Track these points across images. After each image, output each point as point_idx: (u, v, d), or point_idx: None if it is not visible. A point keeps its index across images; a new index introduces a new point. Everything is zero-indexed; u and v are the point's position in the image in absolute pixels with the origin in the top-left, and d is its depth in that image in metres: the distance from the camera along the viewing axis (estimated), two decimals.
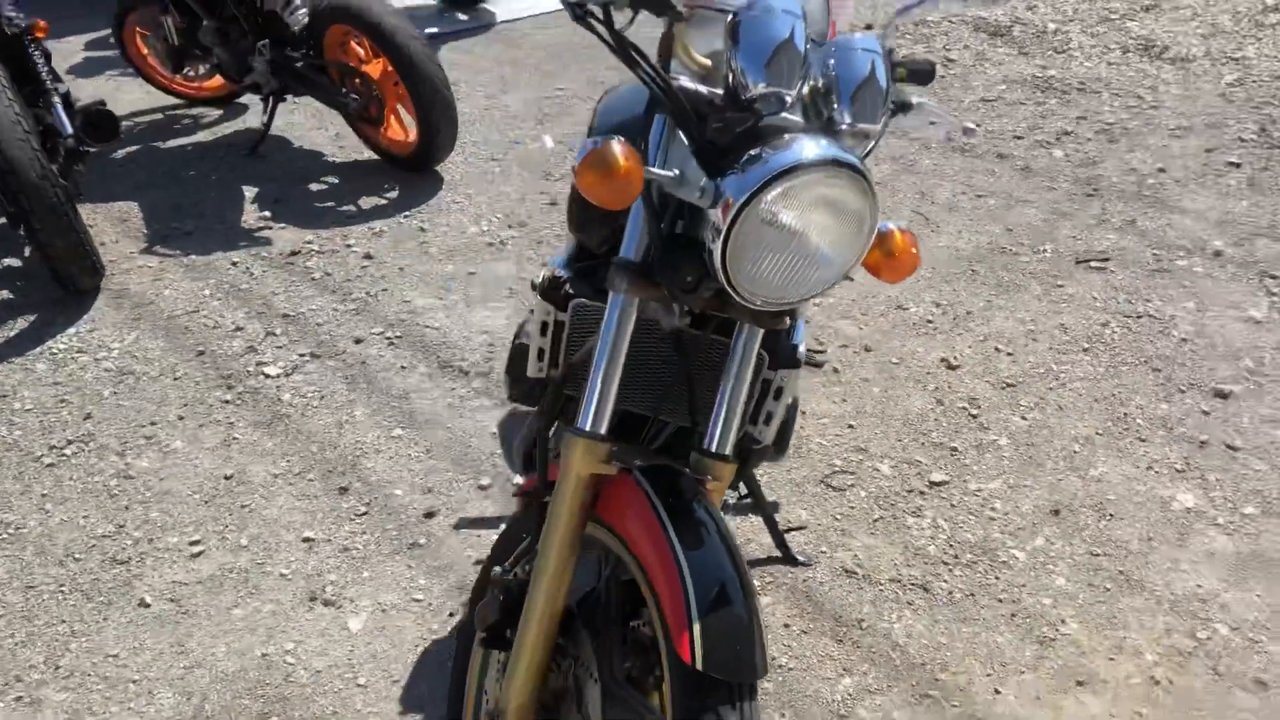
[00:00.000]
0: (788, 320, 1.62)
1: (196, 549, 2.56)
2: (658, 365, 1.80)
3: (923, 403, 2.95)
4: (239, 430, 2.94)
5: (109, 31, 5.02)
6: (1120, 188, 4.07)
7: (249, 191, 4.27)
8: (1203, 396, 2.94)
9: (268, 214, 4.08)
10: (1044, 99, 4.87)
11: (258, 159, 4.55)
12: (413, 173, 4.36)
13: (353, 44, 4.27)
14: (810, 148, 1.39)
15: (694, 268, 1.53)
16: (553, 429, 2.08)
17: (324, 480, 2.76)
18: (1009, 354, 3.16)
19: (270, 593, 2.44)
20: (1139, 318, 3.29)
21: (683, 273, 1.53)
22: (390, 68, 4.11)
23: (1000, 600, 2.36)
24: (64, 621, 2.37)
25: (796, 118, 1.50)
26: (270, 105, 4.55)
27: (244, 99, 5.09)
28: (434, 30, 6.07)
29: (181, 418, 2.98)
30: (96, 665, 2.27)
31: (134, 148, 4.69)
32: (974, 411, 2.92)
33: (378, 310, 3.46)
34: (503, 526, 1.99)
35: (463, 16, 6.41)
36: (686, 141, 1.48)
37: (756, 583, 2.38)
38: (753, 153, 1.42)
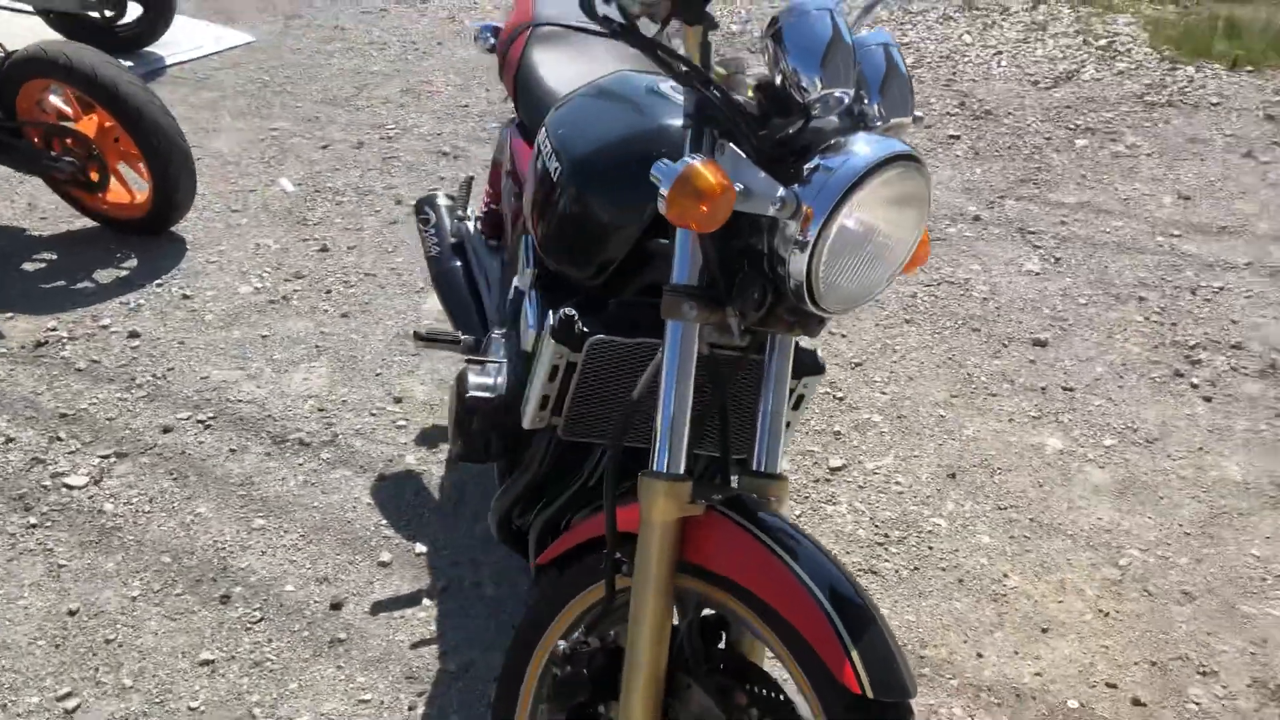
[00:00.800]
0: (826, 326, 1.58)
1: (70, 703, 2.15)
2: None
3: None
4: (62, 556, 2.50)
5: None
6: None
7: None
8: (1025, 347, 3.19)
9: None
10: None
11: None
12: (146, 236, 3.90)
13: (52, 99, 3.75)
14: (875, 146, 1.36)
15: (759, 285, 1.46)
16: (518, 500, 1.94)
17: (196, 592, 2.41)
18: (843, 335, 3.28)
19: None
20: (939, 284, 3.52)
21: (751, 291, 1.46)
22: (111, 122, 3.65)
23: (943, 569, 2.44)
24: None
25: (833, 118, 1.46)
26: None
27: None
28: None
29: None
30: None
31: None
32: (838, 394, 3.01)
33: (174, 392, 3.07)
34: (529, 605, 1.81)
35: (127, 63, 5.81)
36: (745, 153, 1.41)
37: None
38: (820, 159, 1.37)
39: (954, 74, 5.23)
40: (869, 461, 2.76)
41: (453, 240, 2.72)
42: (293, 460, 2.81)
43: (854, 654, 1.35)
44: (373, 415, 2.98)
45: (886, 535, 2.52)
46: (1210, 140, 4.47)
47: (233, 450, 2.84)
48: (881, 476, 2.70)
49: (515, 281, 1.97)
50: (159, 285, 3.61)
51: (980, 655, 2.22)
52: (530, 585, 2.40)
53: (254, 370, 3.17)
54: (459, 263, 2.67)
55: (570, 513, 1.91)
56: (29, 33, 4.56)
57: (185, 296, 3.54)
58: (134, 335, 3.32)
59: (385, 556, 2.49)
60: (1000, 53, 5.49)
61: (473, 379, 1.99)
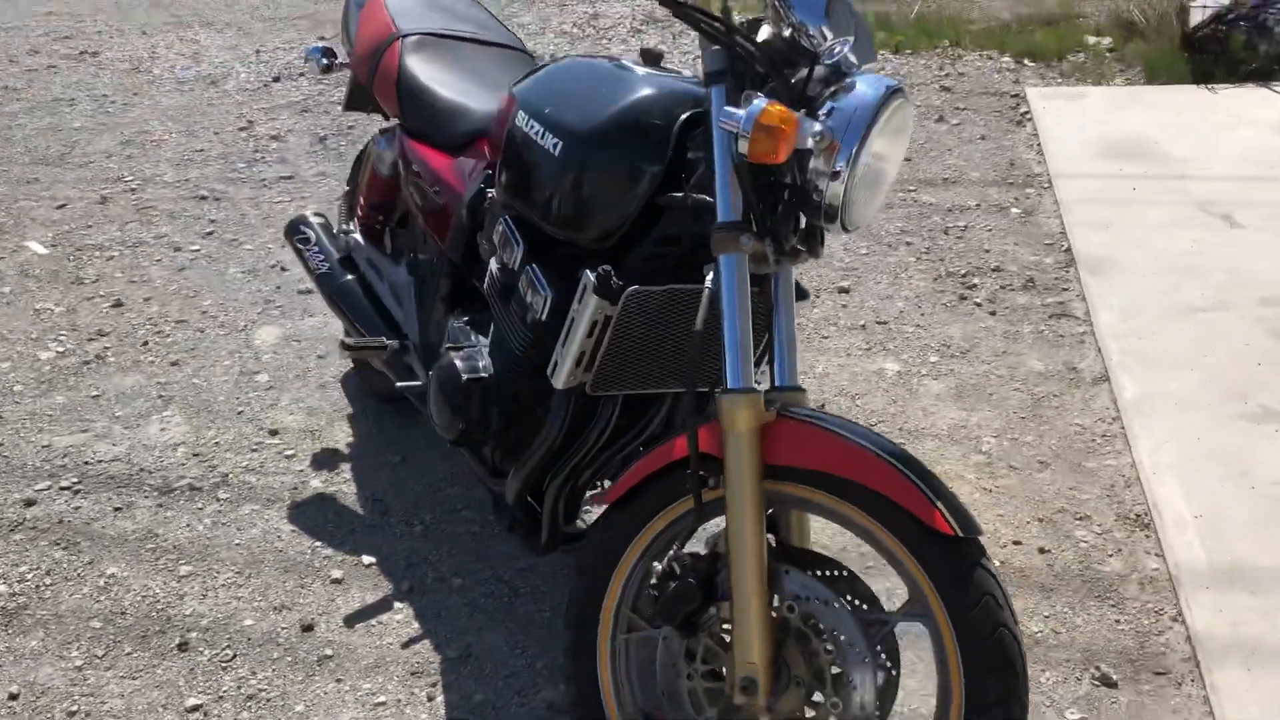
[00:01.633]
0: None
1: None
2: (669, 341, 1.89)
3: None
4: None
5: None
6: None
7: None
8: (833, 295, 3.59)
9: None
10: None
11: None
12: None
13: None
14: (876, 84, 1.64)
15: (792, 215, 1.69)
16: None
17: (147, 647, 2.30)
18: None
19: None
20: None
21: (789, 221, 1.69)
22: None
23: None
24: None
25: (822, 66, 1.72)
26: None
27: None
28: None
29: None
30: None
31: None
32: None
33: (17, 467, 2.85)
34: (587, 543, 1.89)
35: None
36: (775, 96, 1.63)
37: None
38: (833, 101, 1.62)
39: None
40: None
41: (340, 255, 2.74)
42: (190, 506, 2.70)
43: (939, 504, 1.60)
44: (254, 451, 2.91)
45: None
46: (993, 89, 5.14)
47: (117, 509, 2.70)
48: None
49: (494, 264, 2.06)
50: None
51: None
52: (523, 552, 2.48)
53: (100, 430, 2.99)
54: (351, 276, 2.69)
55: (585, 472, 2.04)
56: None
57: None
58: None
59: (336, 573, 2.48)
60: None
61: (461, 364, 2.07)
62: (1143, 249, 3.73)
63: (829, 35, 1.64)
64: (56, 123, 5.21)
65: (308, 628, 2.34)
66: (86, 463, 2.86)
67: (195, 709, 2.16)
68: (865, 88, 1.62)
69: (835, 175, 1.61)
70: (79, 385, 3.19)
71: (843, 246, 3.86)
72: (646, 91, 1.86)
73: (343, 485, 2.77)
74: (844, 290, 3.61)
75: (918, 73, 5.66)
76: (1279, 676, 2.10)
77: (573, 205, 1.86)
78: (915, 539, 1.62)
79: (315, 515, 2.67)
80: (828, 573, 1.75)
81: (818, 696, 1.69)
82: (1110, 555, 2.48)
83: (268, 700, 2.17)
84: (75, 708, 2.16)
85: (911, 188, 4.33)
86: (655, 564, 1.79)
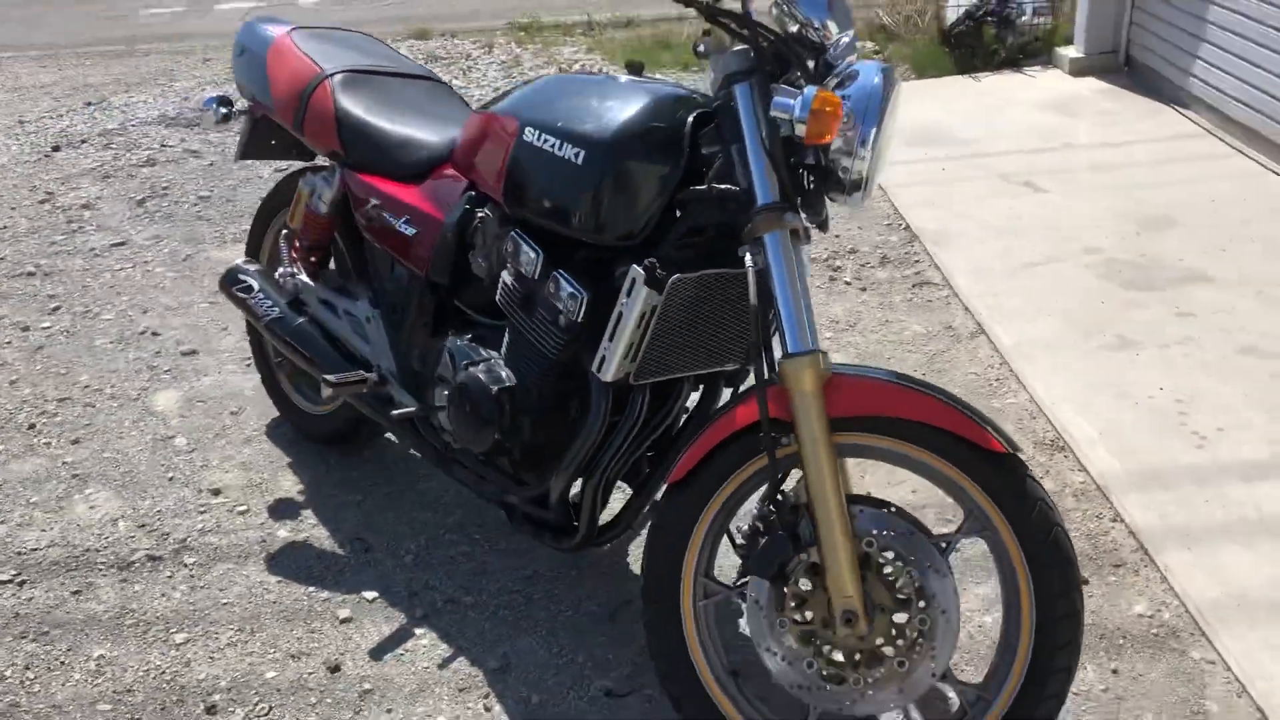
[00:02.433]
0: None
1: None
2: (704, 324, 2.04)
3: None
4: None
5: None
6: None
7: None
8: None
9: None
10: None
11: None
12: None
13: None
14: (872, 68, 1.86)
15: (821, 193, 1.89)
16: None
17: (172, 717, 2.22)
18: None
19: None
20: None
21: (821, 196, 1.89)
22: None
23: None
24: None
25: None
26: None
27: None
28: None
29: None
30: None
31: None
32: None
33: None
34: (657, 521, 1.97)
35: None
36: (806, 85, 1.82)
37: None
38: (841, 89, 1.83)
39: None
40: None
41: (288, 299, 2.71)
42: (157, 576, 2.60)
43: (988, 428, 1.83)
44: (203, 513, 2.82)
45: None
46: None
47: (76, 592, 2.56)
48: None
49: (507, 277, 2.14)
50: None
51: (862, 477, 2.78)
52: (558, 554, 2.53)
53: (21, 518, 2.82)
54: (304, 317, 2.67)
55: (619, 464, 2.14)
56: None
57: None
58: None
59: (343, 613, 2.46)
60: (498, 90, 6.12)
61: (486, 377, 2.14)
62: (970, 219, 4.17)
63: (834, 28, 1.85)
64: None
65: (334, 668, 2.32)
66: (19, 553, 2.69)
67: None
68: (867, 72, 1.84)
69: (859, 153, 1.81)
70: None
71: None
72: (653, 97, 2.00)
73: (312, 530, 2.74)
74: None
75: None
76: (1215, 552, 2.45)
77: (600, 208, 1.98)
78: (971, 463, 1.83)
79: (296, 563, 2.63)
80: (883, 509, 1.95)
81: (900, 617, 1.86)
82: (1042, 476, 2.80)
83: None
84: None
85: None
86: (733, 527, 1.92)
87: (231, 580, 2.58)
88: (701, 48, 2.06)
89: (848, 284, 3.82)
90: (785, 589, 1.88)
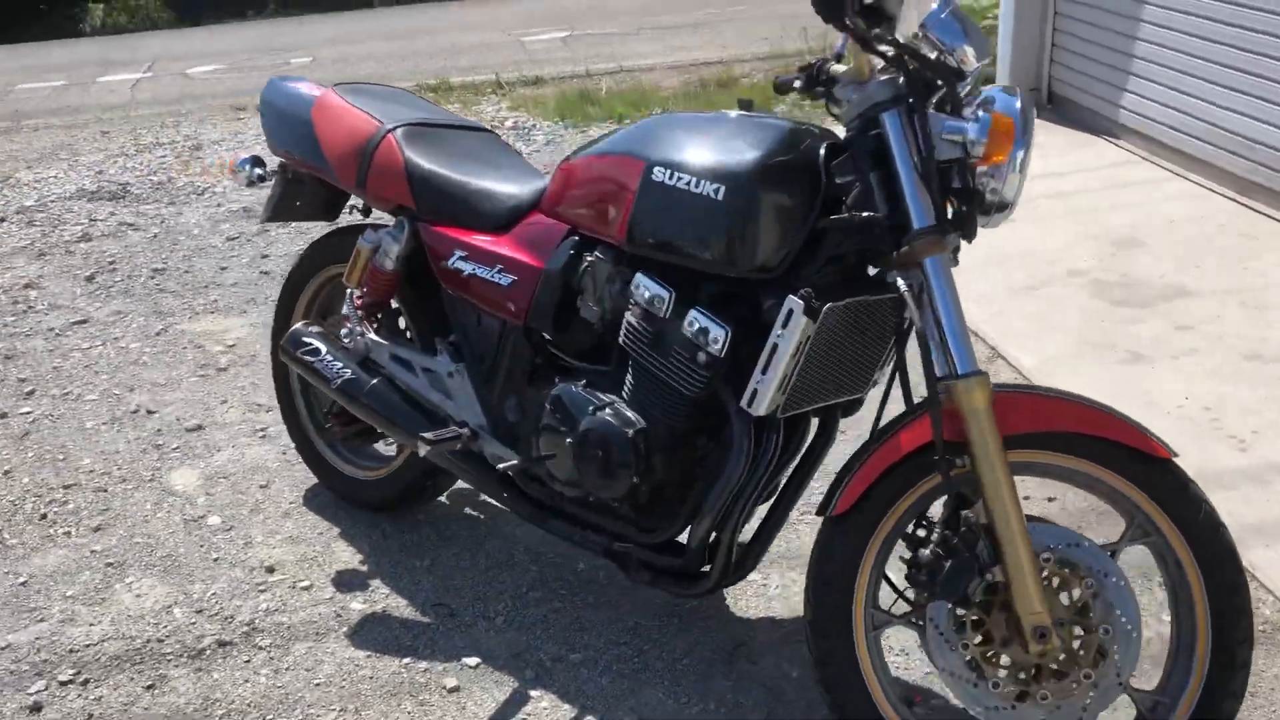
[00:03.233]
0: None
1: None
2: (848, 348, 2.06)
3: None
4: None
5: None
6: None
7: None
8: None
9: None
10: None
11: None
12: None
13: None
14: (1005, 92, 1.92)
15: (974, 213, 1.92)
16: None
17: None
18: None
19: None
20: None
21: (974, 218, 1.92)
22: None
23: None
24: None
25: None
26: None
27: None
28: None
29: None
30: None
31: None
32: None
33: None
34: (820, 556, 1.95)
35: None
36: (951, 110, 1.86)
37: None
38: (983, 110, 1.88)
39: None
40: None
41: (358, 359, 2.61)
42: (234, 662, 2.45)
43: (1150, 435, 1.87)
44: (263, 592, 2.67)
45: None
46: None
47: (150, 686, 2.39)
48: None
49: (632, 319, 2.10)
50: None
51: None
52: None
53: (62, 614, 2.63)
54: (376, 377, 2.57)
55: (756, 501, 2.11)
56: None
57: None
58: None
59: (449, 682, 2.35)
60: None
61: (617, 421, 2.10)
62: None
63: (971, 55, 1.89)
64: None
65: (453, 691, 2.22)
66: (72, 650, 2.50)
67: None
68: (1006, 97, 1.88)
69: (1009, 175, 1.86)
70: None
71: None
72: (779, 131, 2.02)
73: (387, 600, 2.62)
74: None
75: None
76: None
77: (742, 241, 1.97)
78: (1135, 469, 1.87)
79: (381, 635, 2.51)
80: (1045, 523, 1.96)
81: (1082, 629, 1.88)
82: None
83: None
84: None
85: None
86: (912, 553, 1.91)
87: (317, 659, 2.44)
88: (798, 83, 2.10)
89: None
90: (966, 611, 1.88)
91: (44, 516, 3.00)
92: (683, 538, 2.19)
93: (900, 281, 1.90)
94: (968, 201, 1.89)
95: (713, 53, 8.90)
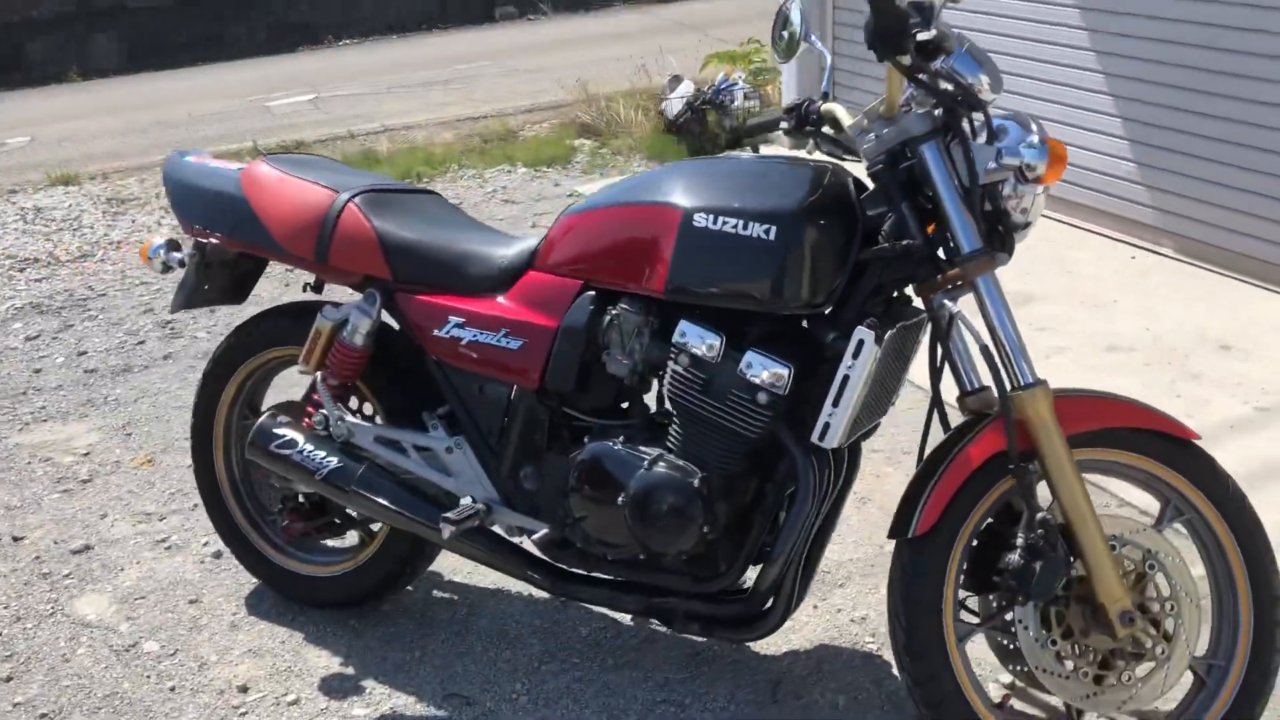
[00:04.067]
0: None
1: None
2: (890, 373, 2.13)
3: None
4: None
5: None
6: None
7: None
8: None
9: None
10: None
11: None
12: None
13: None
14: (1018, 119, 2.05)
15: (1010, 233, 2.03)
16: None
17: None
18: None
19: None
20: None
21: (1014, 237, 2.03)
22: None
23: None
24: None
25: None
26: None
27: None
28: None
29: None
30: None
31: None
32: None
33: None
34: (903, 575, 2.02)
35: None
36: (986, 138, 1.97)
37: None
38: (998, 137, 2.02)
39: None
40: None
41: (339, 445, 2.42)
42: None
43: (1177, 421, 2.05)
44: (244, 715, 2.43)
45: None
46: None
47: None
48: None
49: (679, 368, 2.07)
50: None
51: None
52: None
53: None
54: (363, 464, 2.40)
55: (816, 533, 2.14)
56: None
57: None
58: None
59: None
60: None
61: (678, 473, 2.07)
62: None
63: (987, 85, 2.01)
64: None
65: None
66: None
67: None
68: (1016, 122, 2.01)
69: (1035, 197, 1.99)
70: None
71: None
72: (807, 169, 2.06)
73: (393, 701, 2.43)
74: None
75: (467, 193, 6.00)
76: None
77: (796, 279, 1.98)
78: (1170, 454, 2.03)
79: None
80: None
81: (1154, 608, 2.01)
82: None
83: None
84: None
85: None
86: (1004, 557, 1.98)
87: None
88: (785, 124, 2.20)
89: None
90: (1053, 608, 1.98)
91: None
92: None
93: (947, 303, 1.99)
94: (1002, 222, 2.00)
95: (471, 109, 8.85)
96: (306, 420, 2.48)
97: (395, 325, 2.44)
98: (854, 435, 2.10)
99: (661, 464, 2.10)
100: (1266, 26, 3.91)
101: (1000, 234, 2.00)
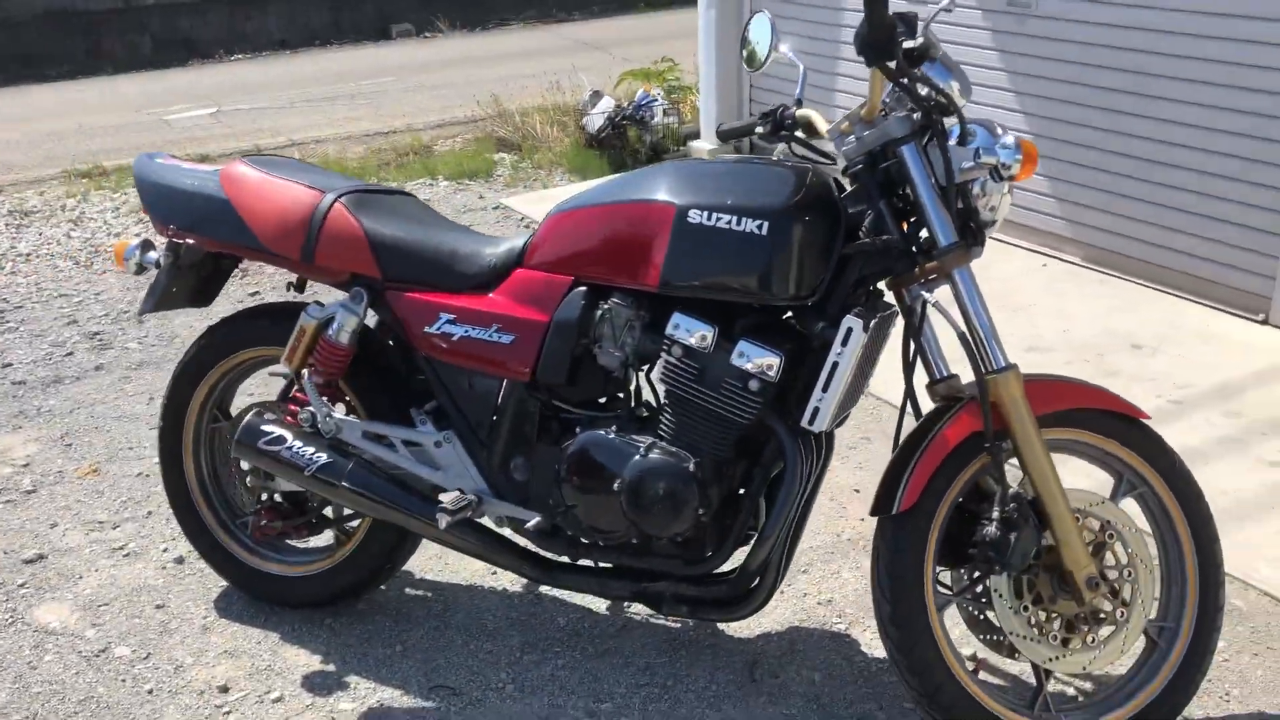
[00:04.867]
0: None
1: None
2: (865, 363, 2.27)
3: None
4: None
5: None
6: None
7: None
8: None
9: None
10: None
11: None
12: None
13: None
14: (984, 124, 2.21)
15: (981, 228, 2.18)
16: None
17: None
18: None
19: None
20: None
21: (984, 232, 2.18)
22: None
23: None
24: None
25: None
26: None
27: None
28: None
29: None
30: None
31: None
32: None
33: None
34: (885, 550, 2.13)
35: None
36: (959, 140, 2.12)
37: None
38: (971, 139, 2.18)
39: None
40: None
41: (327, 441, 2.44)
42: None
43: (1129, 402, 2.23)
44: (228, 714, 2.43)
45: None
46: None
47: None
48: None
49: (671, 359, 2.16)
50: None
51: None
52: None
53: None
54: (352, 460, 2.43)
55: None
56: None
57: None
58: None
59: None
60: None
61: (673, 459, 2.16)
62: None
63: (957, 90, 2.16)
64: None
65: None
66: None
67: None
68: (987, 129, 2.16)
69: (1003, 195, 2.15)
70: None
71: None
72: (792, 169, 2.19)
73: (379, 695, 2.46)
74: None
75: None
76: None
77: (786, 271, 2.10)
78: (1123, 432, 2.21)
79: None
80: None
81: (1111, 574, 2.17)
82: None
83: None
84: None
85: None
86: (980, 530, 2.11)
87: None
88: (761, 129, 2.33)
89: None
90: (1024, 576, 2.13)
91: None
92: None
93: (925, 295, 2.13)
94: (972, 219, 2.14)
95: (380, 123, 8.82)
96: (290, 418, 2.49)
97: (371, 325, 2.49)
98: (837, 420, 2.22)
99: (656, 451, 2.19)
100: (1167, 50, 4.21)
101: (972, 229, 2.14)
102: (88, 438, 3.64)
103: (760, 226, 2.10)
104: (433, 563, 2.87)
